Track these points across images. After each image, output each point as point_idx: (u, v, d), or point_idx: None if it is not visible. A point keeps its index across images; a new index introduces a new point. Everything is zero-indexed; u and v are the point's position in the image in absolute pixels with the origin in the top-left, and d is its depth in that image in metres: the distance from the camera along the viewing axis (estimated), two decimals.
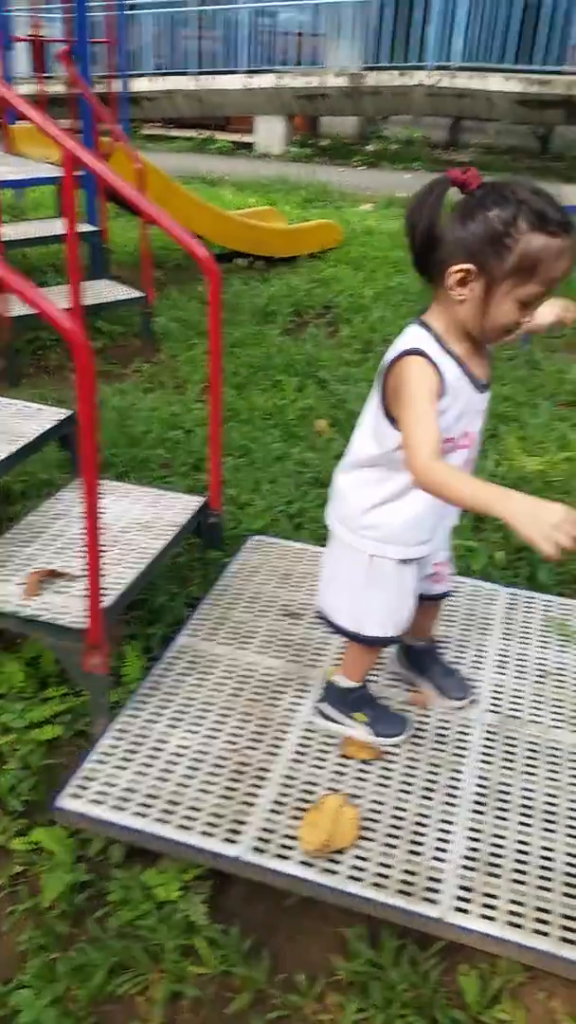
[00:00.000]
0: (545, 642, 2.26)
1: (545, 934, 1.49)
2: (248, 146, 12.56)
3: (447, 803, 1.74)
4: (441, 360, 1.48)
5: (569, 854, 1.64)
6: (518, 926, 1.51)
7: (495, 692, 2.07)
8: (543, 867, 1.62)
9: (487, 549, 2.76)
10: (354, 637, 1.81)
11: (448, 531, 1.85)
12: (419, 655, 2.04)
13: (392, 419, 1.54)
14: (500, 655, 2.20)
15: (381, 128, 14.00)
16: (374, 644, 1.83)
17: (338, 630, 1.83)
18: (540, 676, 2.13)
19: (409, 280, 5.68)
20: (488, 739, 1.92)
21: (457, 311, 1.46)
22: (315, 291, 5.51)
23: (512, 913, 1.53)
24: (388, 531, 1.66)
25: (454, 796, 1.76)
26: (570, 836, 1.68)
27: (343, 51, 11.27)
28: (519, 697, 2.06)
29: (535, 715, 2.01)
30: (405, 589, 1.75)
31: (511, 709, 2.02)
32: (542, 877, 1.60)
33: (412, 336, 1.50)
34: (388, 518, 1.65)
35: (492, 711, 2.01)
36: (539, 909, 1.53)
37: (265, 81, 11.56)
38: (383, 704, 1.96)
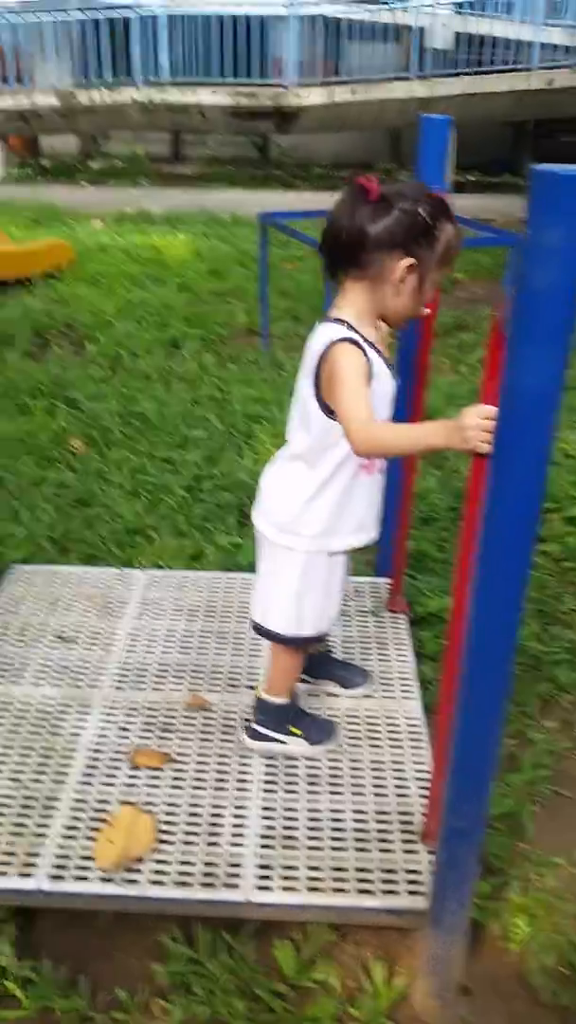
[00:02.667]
0: None
1: (344, 891, 1.57)
2: None
3: (239, 789, 1.78)
4: (366, 347, 1.54)
5: (356, 811, 1.73)
6: (319, 889, 1.57)
7: None
8: (334, 828, 1.70)
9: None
10: (289, 640, 1.79)
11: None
12: (317, 659, 2.06)
13: (325, 407, 1.56)
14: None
15: (103, 145, 13.94)
16: (306, 643, 1.82)
17: (270, 636, 1.81)
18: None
19: (149, 294, 5.72)
20: None
21: (387, 302, 1.54)
22: (54, 311, 5.40)
23: (312, 879, 1.59)
24: (320, 525, 1.67)
25: (245, 781, 1.80)
26: (355, 794, 1.78)
27: (51, 70, 11.10)
28: None
29: None
30: (337, 582, 1.76)
31: None
32: (334, 839, 1.67)
33: (334, 329, 1.53)
34: (317, 511, 1.66)
35: None
36: (335, 868, 1.61)
37: None
38: (309, 713, 1.96)
